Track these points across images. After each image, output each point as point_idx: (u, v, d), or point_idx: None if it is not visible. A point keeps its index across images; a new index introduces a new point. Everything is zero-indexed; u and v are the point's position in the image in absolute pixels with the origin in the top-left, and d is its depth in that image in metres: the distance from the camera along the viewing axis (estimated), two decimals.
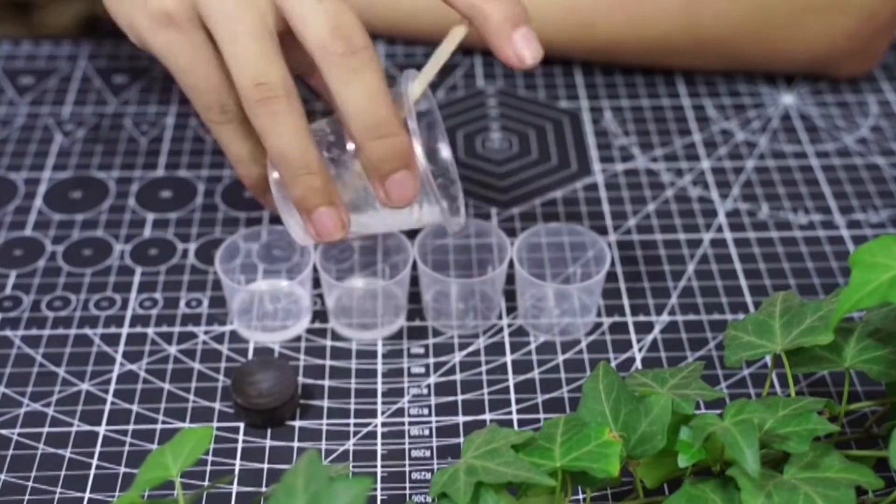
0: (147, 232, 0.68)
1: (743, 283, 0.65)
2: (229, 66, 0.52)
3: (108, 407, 0.58)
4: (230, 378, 0.58)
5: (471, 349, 0.61)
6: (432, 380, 0.59)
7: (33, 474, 0.54)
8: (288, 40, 0.53)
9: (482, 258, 0.64)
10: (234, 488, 0.54)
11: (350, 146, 0.54)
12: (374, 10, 0.56)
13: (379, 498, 0.53)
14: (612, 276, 0.65)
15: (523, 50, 0.52)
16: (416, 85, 0.54)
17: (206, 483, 0.54)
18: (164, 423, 0.57)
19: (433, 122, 0.58)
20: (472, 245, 0.65)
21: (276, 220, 0.68)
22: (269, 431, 0.56)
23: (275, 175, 0.54)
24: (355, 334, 0.61)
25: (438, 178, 0.57)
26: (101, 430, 0.56)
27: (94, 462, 0.55)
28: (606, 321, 0.62)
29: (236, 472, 0.54)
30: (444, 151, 0.57)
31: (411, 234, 0.62)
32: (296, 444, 0.56)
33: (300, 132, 0.52)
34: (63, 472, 0.54)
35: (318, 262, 0.60)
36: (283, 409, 0.56)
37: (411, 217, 0.55)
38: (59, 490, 0.53)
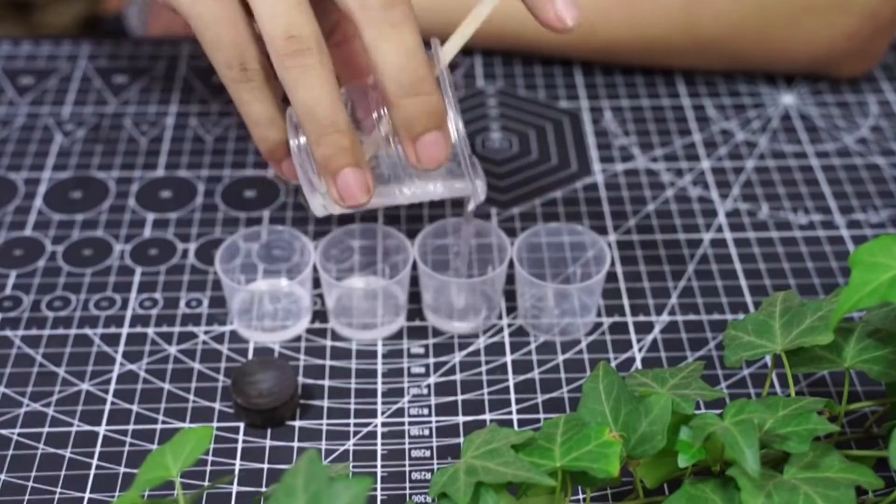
0: (147, 232, 0.68)
1: (743, 283, 0.65)
2: (260, 18, 0.51)
3: (108, 407, 0.58)
4: (230, 378, 0.58)
5: (471, 349, 0.61)
6: (432, 380, 0.59)
7: (33, 474, 0.54)
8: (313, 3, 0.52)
9: (482, 258, 0.64)
10: (234, 488, 0.54)
11: (373, 114, 0.53)
12: None
13: (379, 498, 0.53)
14: (612, 276, 0.65)
15: (564, 12, 0.51)
16: (449, 47, 0.53)
17: (206, 483, 0.54)
18: (164, 423, 0.57)
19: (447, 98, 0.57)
20: (472, 245, 0.65)
21: (276, 220, 0.68)
22: (269, 431, 0.56)
23: (295, 141, 0.53)
24: (355, 334, 0.61)
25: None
26: (101, 430, 0.56)
27: (94, 462, 0.55)
28: (606, 321, 0.62)
29: (236, 472, 0.54)
30: (458, 124, 0.55)
31: (411, 234, 0.62)
32: (296, 444, 0.56)
33: (331, 88, 0.51)
34: (63, 472, 0.54)
35: (318, 262, 0.60)
36: (283, 409, 0.56)
37: (434, 188, 0.54)
38: (59, 490, 0.53)
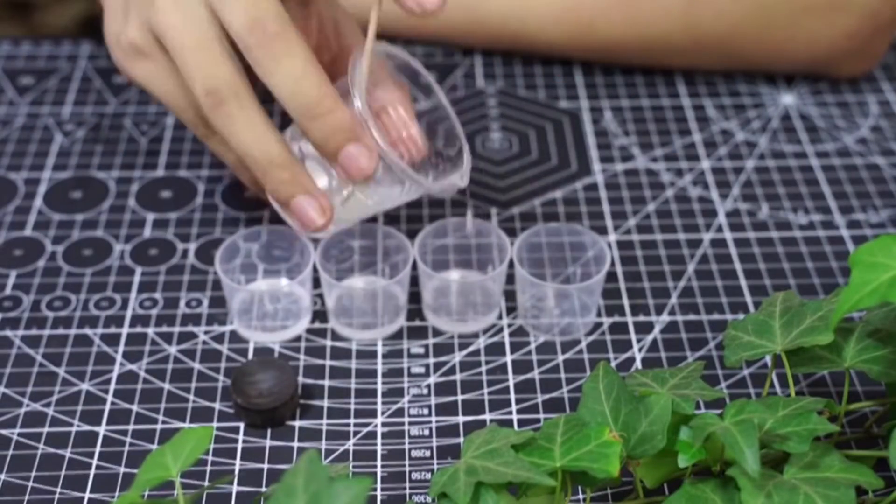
0: (147, 232, 0.68)
1: (743, 283, 0.65)
2: (185, 80, 0.53)
3: (108, 407, 0.58)
4: (230, 378, 0.58)
5: (471, 349, 0.61)
6: (432, 380, 0.59)
7: (33, 474, 0.54)
8: None
9: (482, 258, 0.64)
10: (234, 488, 0.54)
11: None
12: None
13: (379, 498, 0.53)
14: (612, 276, 0.65)
15: None
16: (363, 60, 0.54)
17: (206, 483, 0.54)
18: (164, 423, 0.57)
19: (439, 108, 0.58)
20: (472, 245, 0.65)
21: (276, 220, 0.68)
22: (269, 431, 0.56)
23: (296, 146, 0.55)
24: (355, 334, 0.61)
25: (444, 151, 0.57)
26: (101, 430, 0.56)
27: (94, 462, 0.55)
28: (606, 321, 0.62)
29: (236, 472, 0.54)
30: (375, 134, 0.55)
31: (411, 234, 0.62)
32: (296, 444, 0.56)
33: (257, 129, 0.52)
34: (63, 472, 0.54)
35: (318, 262, 0.60)
36: (283, 409, 0.56)
37: (393, 192, 0.55)
38: (59, 490, 0.53)
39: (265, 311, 0.61)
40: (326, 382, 0.59)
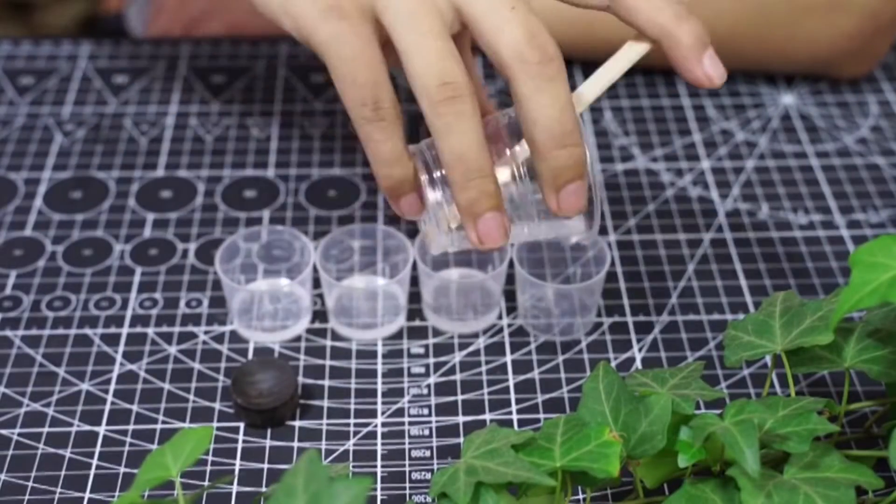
0: (147, 232, 0.68)
1: (743, 283, 0.65)
2: (410, 63, 0.51)
3: (108, 407, 0.58)
4: (230, 378, 0.58)
5: (471, 349, 0.61)
6: (432, 380, 0.59)
7: (33, 474, 0.54)
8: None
9: (482, 258, 0.64)
10: (234, 488, 0.54)
11: (505, 155, 0.54)
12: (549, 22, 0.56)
13: (379, 498, 0.53)
14: (612, 276, 0.65)
15: (711, 70, 0.54)
16: (589, 93, 0.54)
17: (206, 483, 0.54)
18: (164, 423, 0.57)
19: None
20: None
21: (276, 219, 0.68)
22: (269, 431, 0.56)
23: (432, 182, 0.54)
24: (355, 334, 0.61)
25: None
26: (101, 430, 0.56)
27: (94, 462, 0.55)
28: (606, 321, 0.62)
29: (236, 472, 0.54)
30: (596, 171, 0.56)
31: (411, 233, 0.62)
32: (296, 444, 0.56)
33: (480, 134, 0.52)
34: (63, 472, 0.54)
35: (318, 262, 0.60)
36: (283, 409, 0.56)
37: (561, 229, 0.55)
38: (59, 490, 0.53)
39: (265, 311, 0.61)
40: (326, 382, 0.59)
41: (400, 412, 0.58)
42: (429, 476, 0.54)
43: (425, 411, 0.58)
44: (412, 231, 0.63)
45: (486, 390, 0.59)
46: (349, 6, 0.53)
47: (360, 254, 0.64)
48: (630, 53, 0.55)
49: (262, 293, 0.62)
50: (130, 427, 0.56)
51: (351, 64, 0.53)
